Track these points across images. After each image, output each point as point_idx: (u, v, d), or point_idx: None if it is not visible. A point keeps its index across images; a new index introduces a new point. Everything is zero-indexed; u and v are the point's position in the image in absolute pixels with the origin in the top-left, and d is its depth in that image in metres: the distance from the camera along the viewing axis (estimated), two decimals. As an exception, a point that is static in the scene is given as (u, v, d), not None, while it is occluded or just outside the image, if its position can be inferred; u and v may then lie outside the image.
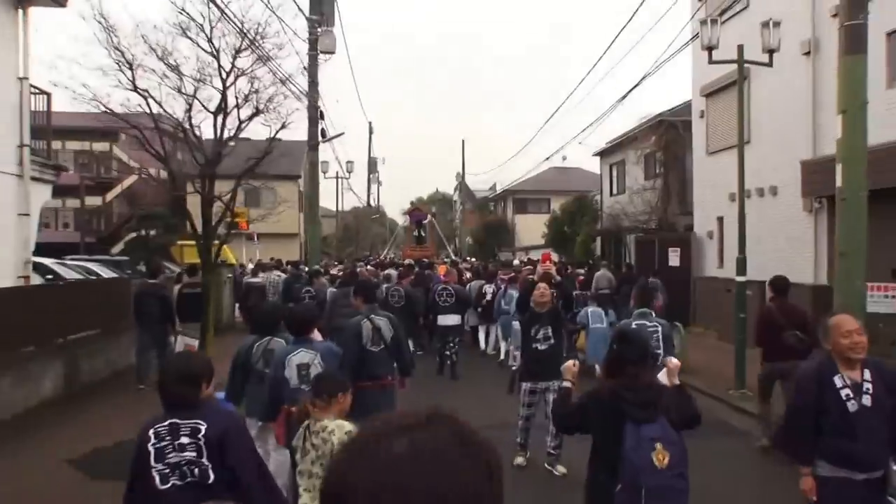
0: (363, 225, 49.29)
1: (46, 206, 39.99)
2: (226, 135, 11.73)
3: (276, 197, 41.26)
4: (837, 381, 3.70)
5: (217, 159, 9.16)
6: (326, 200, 50.78)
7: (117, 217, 41.34)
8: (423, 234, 28.99)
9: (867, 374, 3.69)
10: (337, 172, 40.00)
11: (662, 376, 5.97)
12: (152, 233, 32.54)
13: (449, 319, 11.60)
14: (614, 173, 27.20)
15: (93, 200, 39.85)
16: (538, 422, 6.58)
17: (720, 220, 16.36)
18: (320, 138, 19.06)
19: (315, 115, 18.60)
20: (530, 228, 40.42)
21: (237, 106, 9.79)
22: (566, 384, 4.05)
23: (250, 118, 9.43)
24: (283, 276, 16.74)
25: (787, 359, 6.59)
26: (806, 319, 6.97)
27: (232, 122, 9.96)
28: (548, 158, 25.59)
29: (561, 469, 6.48)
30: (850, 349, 3.69)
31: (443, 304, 11.69)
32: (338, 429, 3.72)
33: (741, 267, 9.78)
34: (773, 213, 13.76)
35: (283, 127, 10.20)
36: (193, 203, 12.38)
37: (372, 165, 49.85)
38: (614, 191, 26.95)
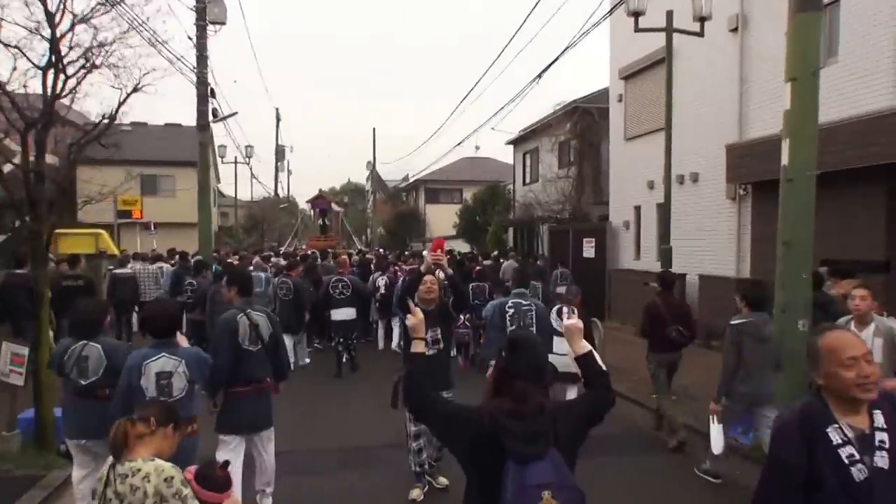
0: (271, 215, 46.96)
1: None
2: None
3: (174, 185, 38.99)
4: (834, 436, 2.36)
5: (47, 121, 7.34)
6: (231, 188, 48.16)
7: (-10, 203, 37.55)
8: (327, 223, 27.43)
9: (878, 420, 2.38)
10: (235, 157, 37.60)
11: (561, 344, 5.65)
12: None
13: (344, 313, 10.58)
14: (528, 162, 26.42)
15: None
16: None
17: (637, 209, 15.66)
18: (211, 118, 17.21)
19: (204, 93, 16.76)
20: (442, 219, 39.61)
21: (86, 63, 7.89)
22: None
23: (85, 74, 7.55)
24: (165, 267, 14.89)
25: (669, 351, 7.06)
26: (689, 314, 7.25)
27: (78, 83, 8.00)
28: (460, 143, 24.27)
29: (443, 480, 5.78)
30: (857, 386, 2.35)
31: (338, 297, 10.59)
32: (154, 473, 2.92)
33: (666, 258, 8.88)
34: (694, 201, 13.08)
35: (135, 90, 8.33)
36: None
37: (279, 153, 47.71)
38: (527, 180, 26.19)
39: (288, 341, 10.70)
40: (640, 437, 7.39)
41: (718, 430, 5.60)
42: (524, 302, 6.42)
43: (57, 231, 16.65)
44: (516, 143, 27.25)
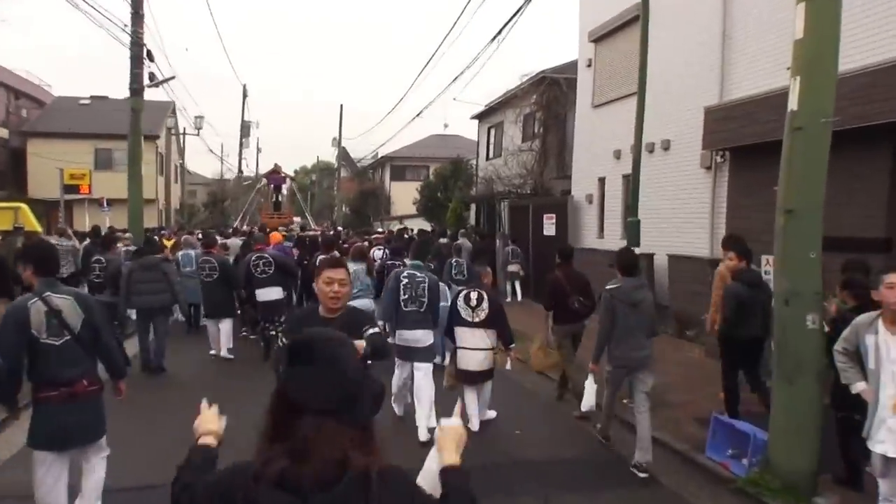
0: (235, 192, 44.85)
1: None
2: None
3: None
4: None
5: None
6: (197, 164, 45.97)
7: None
8: (280, 199, 25.76)
9: None
10: (184, 129, 35.46)
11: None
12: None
13: (267, 294, 9.44)
14: (492, 136, 24.96)
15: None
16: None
17: (602, 181, 14.28)
18: (147, 82, 15.46)
19: (139, 55, 15.05)
20: (407, 196, 38.04)
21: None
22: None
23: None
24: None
25: (573, 321, 7.25)
26: (588, 285, 7.38)
27: None
28: (419, 114, 22.73)
29: None
30: None
31: (259, 276, 9.42)
32: None
33: (633, 233, 7.52)
34: (664, 172, 11.70)
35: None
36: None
37: (245, 129, 45.60)
38: (491, 154, 24.74)
39: (215, 327, 9.58)
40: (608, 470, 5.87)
41: (592, 388, 5.85)
42: (419, 274, 6.54)
43: None
44: (481, 117, 25.79)
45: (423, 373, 6.27)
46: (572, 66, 17.24)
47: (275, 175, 26.76)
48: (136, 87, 15.32)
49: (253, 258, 9.58)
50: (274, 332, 9.22)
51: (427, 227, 25.09)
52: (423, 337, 6.31)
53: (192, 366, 9.34)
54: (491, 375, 6.40)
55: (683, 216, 11.10)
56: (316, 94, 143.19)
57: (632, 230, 7.43)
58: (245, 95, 41.58)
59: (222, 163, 50.63)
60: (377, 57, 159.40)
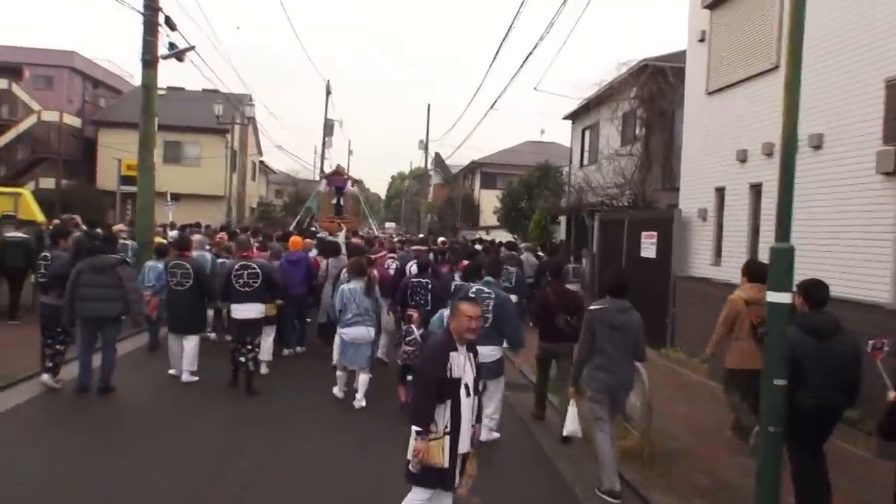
0: (304, 188, 43.38)
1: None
2: None
3: (199, 152, 35.87)
4: None
5: None
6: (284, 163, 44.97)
7: (10, 164, 35.30)
8: (342, 203, 23.55)
9: None
10: (237, 118, 33.51)
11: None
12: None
13: (246, 310, 8.19)
14: (587, 139, 21.74)
15: (-12, 146, 33.94)
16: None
17: (720, 192, 10.87)
18: (162, 52, 13.41)
19: (153, 21, 13.00)
20: (495, 205, 35.49)
21: None
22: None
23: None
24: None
25: (559, 340, 7.03)
26: (580, 307, 6.97)
27: None
28: (492, 106, 19.70)
29: None
30: None
31: (240, 289, 8.16)
32: None
33: (784, 265, 4.38)
34: (813, 179, 8.26)
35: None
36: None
37: (328, 128, 44.09)
38: (585, 160, 21.53)
39: (178, 344, 8.35)
40: None
41: (573, 412, 5.79)
42: (486, 289, 6.53)
43: None
44: (575, 117, 22.64)
45: (493, 387, 6.50)
46: (679, 56, 13.93)
47: (336, 177, 24.58)
48: (149, 59, 13.21)
49: (237, 266, 8.19)
50: (244, 358, 8.00)
51: (509, 238, 22.19)
52: (489, 353, 6.16)
53: (145, 388, 8.18)
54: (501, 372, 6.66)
55: (848, 244, 7.65)
56: (408, 96, 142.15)
57: (781, 261, 4.31)
58: (328, 92, 39.98)
59: (285, 160, 49.47)
60: (466, 53, 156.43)
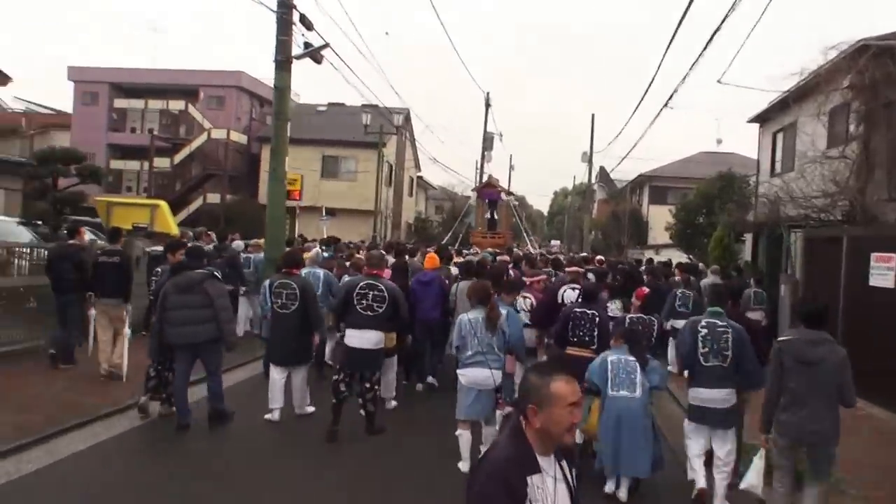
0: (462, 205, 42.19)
1: (125, 169, 36.82)
2: None
3: (356, 166, 35.76)
4: None
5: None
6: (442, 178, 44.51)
7: (184, 181, 37.15)
8: (495, 217, 21.78)
9: None
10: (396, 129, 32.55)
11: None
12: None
13: (364, 338, 6.86)
14: (779, 143, 18.44)
15: (163, 162, 36.03)
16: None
17: None
18: (296, 51, 12.33)
19: (287, 19, 11.98)
20: (666, 221, 32.39)
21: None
22: None
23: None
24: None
25: None
26: (756, 336, 6.08)
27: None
28: (666, 104, 16.79)
29: None
30: None
31: (361, 311, 6.88)
32: None
33: None
34: None
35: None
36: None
37: (487, 142, 42.74)
38: (778, 168, 18.24)
39: (282, 377, 7.30)
40: None
41: (759, 464, 5.07)
42: (720, 323, 5.65)
43: (110, 201, 13.29)
44: (764, 118, 19.38)
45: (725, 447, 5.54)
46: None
47: (489, 189, 22.84)
48: (282, 59, 12.05)
49: (362, 285, 6.93)
50: (361, 399, 6.83)
51: (683, 258, 19.26)
52: (724, 397, 5.48)
53: (252, 423, 7.18)
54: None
55: None
56: (571, 104, 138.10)
57: None
58: (487, 105, 38.53)
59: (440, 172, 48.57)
60: (629, 63, 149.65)
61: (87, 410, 6.88)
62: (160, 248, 10.50)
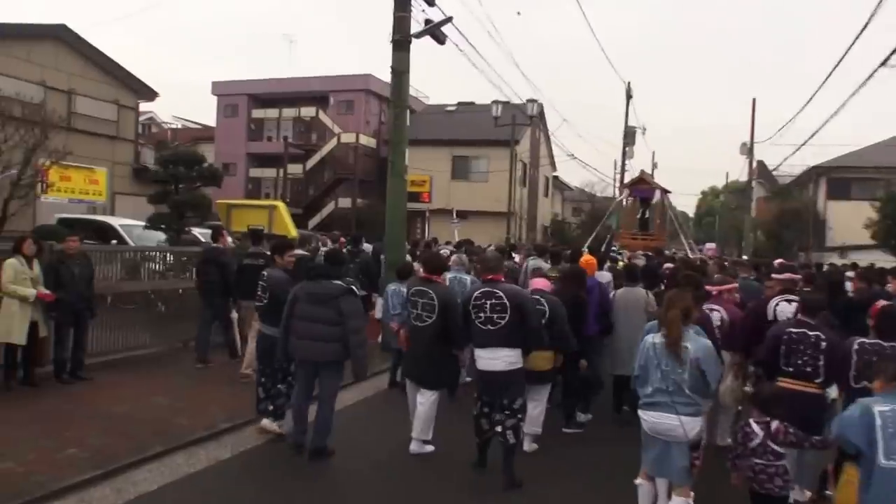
0: (602, 207, 38.86)
1: (262, 177, 36.91)
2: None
3: (488, 166, 33.51)
4: None
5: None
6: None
7: (316, 186, 36.53)
8: (647, 216, 18.79)
9: None
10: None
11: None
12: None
13: (492, 358, 5.51)
14: None
15: (296, 169, 35.64)
16: None
17: None
18: (415, 28, 10.26)
19: (404, -8, 9.98)
20: (855, 219, 27.83)
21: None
22: None
23: None
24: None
25: None
26: None
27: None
28: (884, 62, 12.92)
29: None
30: None
31: (481, 326, 5.56)
32: None
33: None
34: None
35: None
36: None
37: (629, 136, 39.16)
38: None
39: (418, 397, 6.17)
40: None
41: None
42: None
43: (230, 203, 12.85)
44: None
45: None
46: None
47: (641, 186, 19.70)
48: (400, 38, 10.16)
49: (477, 294, 5.68)
50: (499, 427, 5.50)
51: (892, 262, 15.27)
52: None
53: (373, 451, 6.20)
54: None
55: None
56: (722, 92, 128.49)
57: None
58: (629, 97, 35.12)
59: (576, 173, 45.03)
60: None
61: (195, 426, 6.25)
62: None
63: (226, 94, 39.75)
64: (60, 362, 7.42)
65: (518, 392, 5.55)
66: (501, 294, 5.47)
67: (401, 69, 10.38)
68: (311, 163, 35.82)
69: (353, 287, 5.95)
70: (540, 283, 6.49)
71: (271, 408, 6.31)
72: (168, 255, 10.18)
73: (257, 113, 39.62)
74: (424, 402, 6.03)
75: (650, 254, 13.37)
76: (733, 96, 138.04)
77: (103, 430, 5.91)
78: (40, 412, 6.36)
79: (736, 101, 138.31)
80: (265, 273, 6.82)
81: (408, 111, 10.83)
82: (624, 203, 21.08)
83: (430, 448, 6.11)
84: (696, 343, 4.34)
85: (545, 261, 9.80)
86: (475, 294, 5.65)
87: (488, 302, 5.49)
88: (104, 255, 8.98)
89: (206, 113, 40.45)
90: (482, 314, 5.49)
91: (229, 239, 9.67)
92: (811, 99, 41.65)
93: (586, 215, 41.17)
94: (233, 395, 7.28)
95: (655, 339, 4.53)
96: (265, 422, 6.31)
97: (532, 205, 35.73)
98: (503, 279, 5.75)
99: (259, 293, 6.71)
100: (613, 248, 16.41)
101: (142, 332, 9.06)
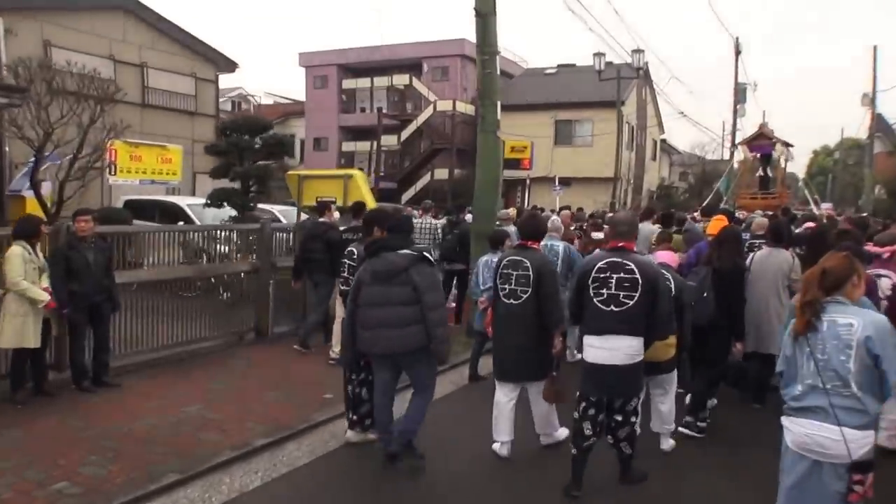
0: (712, 170, 36.54)
1: (356, 150, 36.66)
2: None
3: (592, 129, 31.90)
4: None
5: None
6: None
7: (412, 157, 36.02)
8: (769, 173, 17.09)
9: None
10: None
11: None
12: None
13: (606, 348, 4.48)
14: None
15: (391, 140, 35.22)
16: None
17: None
18: None
19: None
20: None
21: None
22: None
23: None
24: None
25: None
26: None
27: None
28: None
29: None
30: None
31: (601, 306, 4.50)
32: None
33: None
34: None
35: None
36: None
37: (740, 94, 36.52)
38: None
39: (511, 398, 5.23)
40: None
41: None
42: None
43: (301, 174, 11.95)
44: None
45: None
46: None
47: (760, 141, 17.88)
48: None
49: (600, 265, 4.56)
50: (610, 436, 4.58)
51: None
52: None
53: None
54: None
55: None
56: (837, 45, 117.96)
57: None
58: (738, 52, 32.57)
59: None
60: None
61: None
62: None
63: (314, 64, 39.40)
64: (78, 367, 6.26)
65: (635, 391, 4.58)
66: (633, 267, 4.41)
67: (485, 10, 9.47)
68: (405, 133, 35.27)
69: (426, 254, 4.95)
70: (665, 255, 5.47)
71: (355, 417, 5.37)
72: (223, 233, 9.19)
73: (348, 83, 39.11)
74: (540, 400, 5.13)
75: (771, 213, 11.99)
76: (845, 46, 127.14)
77: (110, 453, 4.85)
78: (41, 430, 5.25)
79: (845, 50, 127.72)
80: (353, 249, 5.89)
81: (497, 58, 9.85)
82: (735, 166, 19.40)
83: (564, 432, 5.24)
84: (864, 318, 3.11)
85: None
86: (598, 265, 4.54)
87: (615, 276, 4.42)
88: (150, 237, 8.07)
89: (300, 88, 40.15)
90: (605, 291, 4.42)
91: (336, 214, 9.00)
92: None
93: (695, 178, 38.90)
94: (285, 398, 6.31)
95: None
96: (349, 434, 5.40)
97: (639, 169, 33.96)
98: (634, 249, 4.64)
99: (345, 273, 5.79)
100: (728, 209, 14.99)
101: (193, 325, 7.93)
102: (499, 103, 9.84)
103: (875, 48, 30.91)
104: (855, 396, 3.04)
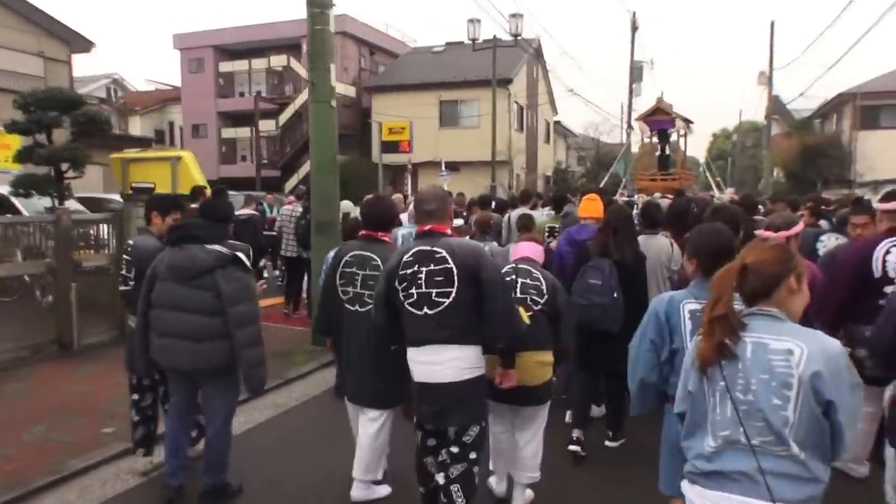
0: (609, 152, 35.82)
1: (237, 137, 33.75)
2: None
3: (478, 109, 30.22)
4: None
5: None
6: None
7: (293, 143, 33.42)
8: (668, 152, 15.74)
9: None
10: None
11: None
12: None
13: (427, 362, 3.42)
14: None
15: (270, 125, 32.52)
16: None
17: None
18: None
19: None
20: (889, 150, 24.93)
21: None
22: None
23: None
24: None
25: None
26: None
27: None
28: None
29: None
30: None
31: (412, 310, 3.43)
32: None
33: None
34: None
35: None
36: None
37: (636, 72, 35.84)
38: None
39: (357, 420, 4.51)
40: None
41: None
42: None
43: (125, 157, 9.88)
44: None
45: None
46: None
47: (658, 116, 16.41)
48: None
49: (407, 257, 3.44)
50: (441, 475, 3.53)
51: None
52: None
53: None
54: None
55: None
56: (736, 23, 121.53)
57: None
58: (634, 28, 31.72)
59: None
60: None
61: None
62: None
63: (189, 46, 36.31)
64: None
65: (472, 416, 3.44)
66: (444, 254, 3.32)
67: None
68: (284, 118, 32.67)
69: (240, 255, 3.93)
70: (528, 248, 4.23)
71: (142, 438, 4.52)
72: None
73: (225, 66, 36.16)
74: (370, 428, 4.07)
75: (670, 197, 10.63)
76: (743, 30, 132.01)
77: None
78: None
79: (741, 36, 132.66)
80: (130, 243, 4.71)
81: (332, 13, 7.78)
82: (633, 146, 18.14)
83: (382, 491, 4.20)
84: (808, 343, 2.05)
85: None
86: (403, 258, 3.43)
87: (424, 269, 3.35)
88: None
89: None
90: (414, 290, 3.36)
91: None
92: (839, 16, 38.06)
93: (591, 161, 38.04)
94: (49, 435, 4.98)
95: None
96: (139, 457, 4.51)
97: (531, 152, 32.56)
98: (449, 232, 3.52)
99: (123, 272, 4.61)
100: (623, 192, 13.54)
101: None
102: (333, 67, 7.82)
103: (772, 23, 30.52)
104: (795, 458, 2.05)
